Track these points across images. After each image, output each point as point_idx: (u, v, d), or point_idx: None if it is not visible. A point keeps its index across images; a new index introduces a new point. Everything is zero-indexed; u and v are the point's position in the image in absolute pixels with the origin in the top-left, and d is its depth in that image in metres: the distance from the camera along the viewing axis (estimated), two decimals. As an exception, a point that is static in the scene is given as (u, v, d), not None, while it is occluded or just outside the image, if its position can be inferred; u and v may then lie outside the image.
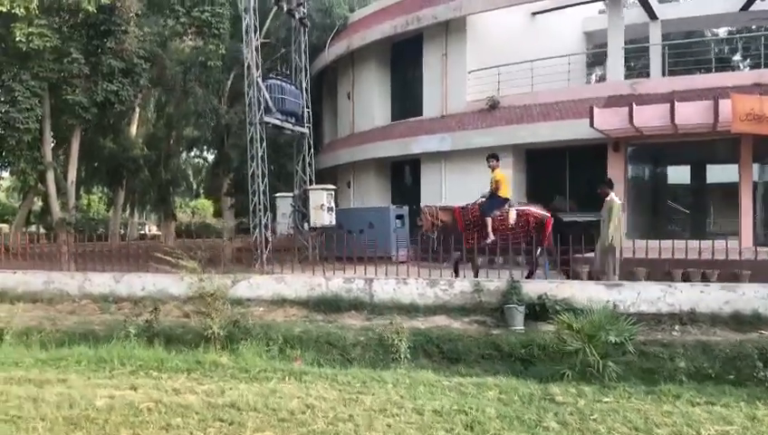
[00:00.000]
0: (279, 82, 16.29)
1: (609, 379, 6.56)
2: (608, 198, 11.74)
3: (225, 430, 5.20)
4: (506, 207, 12.57)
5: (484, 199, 12.91)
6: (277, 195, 17.10)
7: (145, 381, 6.68)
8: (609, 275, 11.10)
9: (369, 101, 24.12)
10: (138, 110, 38.56)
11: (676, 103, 14.40)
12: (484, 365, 7.95)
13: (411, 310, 9.72)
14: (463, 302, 9.77)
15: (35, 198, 36.28)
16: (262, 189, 15.23)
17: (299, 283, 10.59)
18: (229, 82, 26.46)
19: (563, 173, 19.13)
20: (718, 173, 19.13)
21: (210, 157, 50.94)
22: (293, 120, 16.94)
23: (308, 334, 8.66)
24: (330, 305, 10.01)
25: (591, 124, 15.78)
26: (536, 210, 12.70)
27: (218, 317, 8.12)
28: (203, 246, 10.59)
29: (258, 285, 10.53)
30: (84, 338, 9.05)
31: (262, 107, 15.51)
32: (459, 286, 9.94)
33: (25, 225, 36.43)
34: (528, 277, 11.44)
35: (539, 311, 9.09)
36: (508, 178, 13.13)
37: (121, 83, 18.82)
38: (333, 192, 17.41)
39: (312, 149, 18.56)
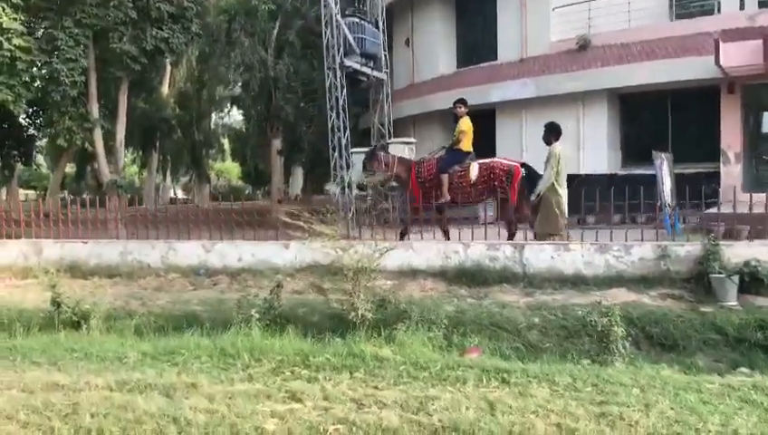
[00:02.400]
0: (358, 20, 14.38)
1: None
2: (550, 147, 10.07)
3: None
4: (467, 160, 10.97)
5: (442, 153, 11.29)
6: (353, 150, 15.36)
7: (303, 387, 5.04)
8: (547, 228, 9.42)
9: (431, 46, 22.07)
10: (169, 68, 36.80)
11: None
12: (710, 354, 6.25)
13: (577, 282, 8.00)
14: (643, 271, 8.02)
15: (68, 163, 34.94)
16: (343, 144, 13.49)
17: (431, 251, 8.89)
18: (275, 32, 24.54)
19: (665, 120, 17.10)
20: None
21: (240, 117, 49.52)
22: (372, 64, 15.08)
23: (465, 315, 7.00)
24: (472, 277, 8.33)
25: (717, 61, 13.79)
26: (502, 161, 11.01)
27: (365, 296, 6.45)
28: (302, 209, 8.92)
29: (381, 253, 8.86)
30: (187, 322, 7.48)
31: (341, 49, 13.65)
32: (638, 252, 8.15)
33: (60, 191, 35.11)
34: (509, 239, 9.83)
35: (748, 281, 7.33)
36: (471, 128, 11.31)
37: (171, 30, 17.03)
38: (414, 146, 15.60)
39: (391, 98, 16.71)
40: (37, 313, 8.02)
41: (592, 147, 17.41)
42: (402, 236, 10.65)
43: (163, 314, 7.79)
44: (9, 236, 11.13)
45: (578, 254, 8.33)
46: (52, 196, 28.65)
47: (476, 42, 21.06)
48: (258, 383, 5.26)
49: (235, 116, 51.63)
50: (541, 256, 8.46)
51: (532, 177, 10.64)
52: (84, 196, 28.59)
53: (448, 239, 10.30)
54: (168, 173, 51.20)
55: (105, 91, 19.13)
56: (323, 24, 13.84)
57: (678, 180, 15.25)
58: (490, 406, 4.53)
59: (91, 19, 16.05)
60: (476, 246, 8.75)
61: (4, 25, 14.88)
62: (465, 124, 11.14)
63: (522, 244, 8.71)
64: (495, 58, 19.83)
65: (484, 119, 20.00)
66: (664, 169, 11.97)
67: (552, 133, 10.18)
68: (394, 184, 12.20)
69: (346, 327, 6.75)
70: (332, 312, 7.16)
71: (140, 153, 43.79)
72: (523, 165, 10.96)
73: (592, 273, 8.16)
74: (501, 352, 6.21)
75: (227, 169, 67.14)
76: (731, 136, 15.40)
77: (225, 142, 49.80)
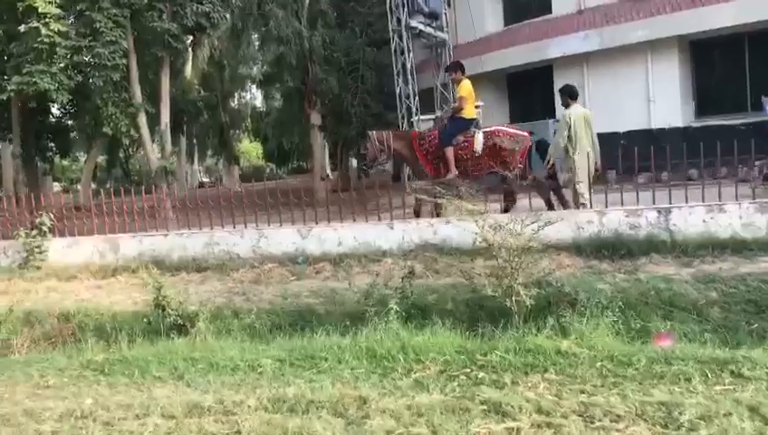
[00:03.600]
0: (420, -25, 13.37)
1: None
2: (565, 111, 9.46)
3: None
4: (472, 129, 9.95)
5: (443, 123, 10.31)
6: (419, 117, 14.36)
7: (499, 396, 4.23)
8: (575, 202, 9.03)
9: (475, 4, 20.85)
10: (191, 49, 35.86)
11: None
12: None
13: (737, 247, 7.07)
14: (813, 233, 7.10)
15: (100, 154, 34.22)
16: (413, 111, 12.57)
17: (560, 221, 7.96)
18: (307, 2, 23.51)
19: (742, 65, 15.93)
20: None
21: (260, 96, 48.51)
22: (434, 24, 14.06)
23: (628, 293, 6.13)
24: (612, 249, 7.39)
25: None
26: (508, 129, 10.16)
27: (523, 278, 5.60)
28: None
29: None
30: (303, 318, 6.71)
31: (406, 9, 12.64)
32: (806, 210, 7.22)
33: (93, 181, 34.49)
34: (506, 211, 9.14)
35: None
36: (473, 93, 10.20)
37: (212, 3, 16.09)
38: (482, 110, 14.63)
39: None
40: (133, 316, 7.30)
41: (664, 99, 16.34)
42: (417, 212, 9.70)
43: (274, 309, 7.00)
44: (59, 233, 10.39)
45: (734, 214, 7.38)
46: (85, 187, 28.07)
47: (526, -4, 19.91)
48: (435, 392, 4.47)
49: (256, 95, 50.88)
50: (690, 219, 7.52)
51: (543, 147, 9.94)
52: (112, 186, 27.85)
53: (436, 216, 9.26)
54: (196, 157, 50.61)
55: (143, 74, 18.32)
56: (385, -20, 12.88)
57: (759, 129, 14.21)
58: (754, 412, 3.69)
59: (127, -3, 15.20)
60: (613, 213, 7.82)
61: (39, 10, 14.06)
62: (465, 89, 10.05)
63: (667, 207, 7.76)
64: (550, 11, 18.70)
65: (540, 77, 18.98)
66: (774, 116, 10.93)
67: (566, 95, 9.61)
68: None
69: (495, 316, 5.92)
70: (470, 298, 6.35)
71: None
72: (531, 134, 10.15)
73: (752, 236, 7.21)
74: (693, 336, 5.35)
75: (246, 150, 66.40)
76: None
77: (251, 122, 48.88)
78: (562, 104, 9.77)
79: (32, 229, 9.82)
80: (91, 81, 15.41)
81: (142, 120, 16.53)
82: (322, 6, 23.24)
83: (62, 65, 14.68)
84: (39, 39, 14.23)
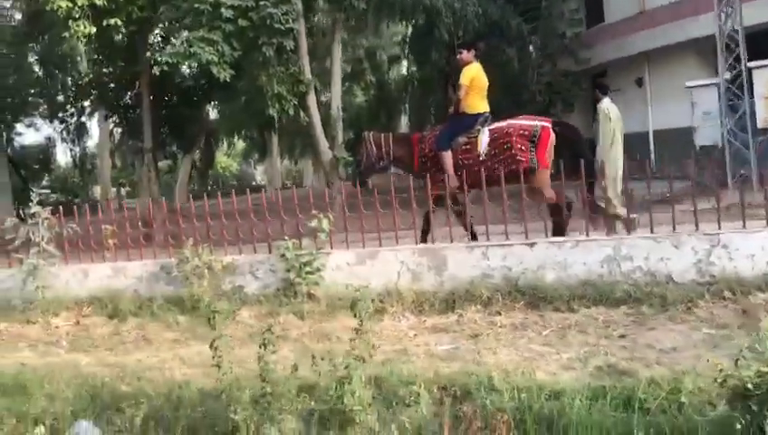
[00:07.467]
0: None
1: None
2: (599, 105, 8.15)
3: None
4: (476, 127, 7.72)
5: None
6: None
7: None
8: (609, 209, 7.50)
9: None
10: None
11: None
12: None
13: None
14: None
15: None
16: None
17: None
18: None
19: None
20: None
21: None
22: None
23: None
24: None
25: None
26: (522, 122, 7.73)
27: None
28: None
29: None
30: None
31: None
32: None
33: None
34: (555, 234, 6.90)
35: None
36: (481, 80, 7.88)
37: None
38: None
39: None
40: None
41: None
42: (424, 234, 7.64)
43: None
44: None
45: None
46: (182, 190, 24.76)
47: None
48: None
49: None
50: None
51: (573, 140, 7.75)
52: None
53: (475, 239, 7.29)
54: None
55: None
56: None
57: None
58: None
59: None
60: None
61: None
62: (467, 76, 7.82)
63: None
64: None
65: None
66: None
67: (598, 89, 8.58)
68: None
69: None
70: None
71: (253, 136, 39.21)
72: (556, 124, 7.85)
73: None
74: None
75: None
76: None
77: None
78: (593, 98, 8.74)
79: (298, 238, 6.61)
80: (256, 52, 12.34)
81: (312, 100, 13.47)
82: None
83: (229, 31, 11.74)
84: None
